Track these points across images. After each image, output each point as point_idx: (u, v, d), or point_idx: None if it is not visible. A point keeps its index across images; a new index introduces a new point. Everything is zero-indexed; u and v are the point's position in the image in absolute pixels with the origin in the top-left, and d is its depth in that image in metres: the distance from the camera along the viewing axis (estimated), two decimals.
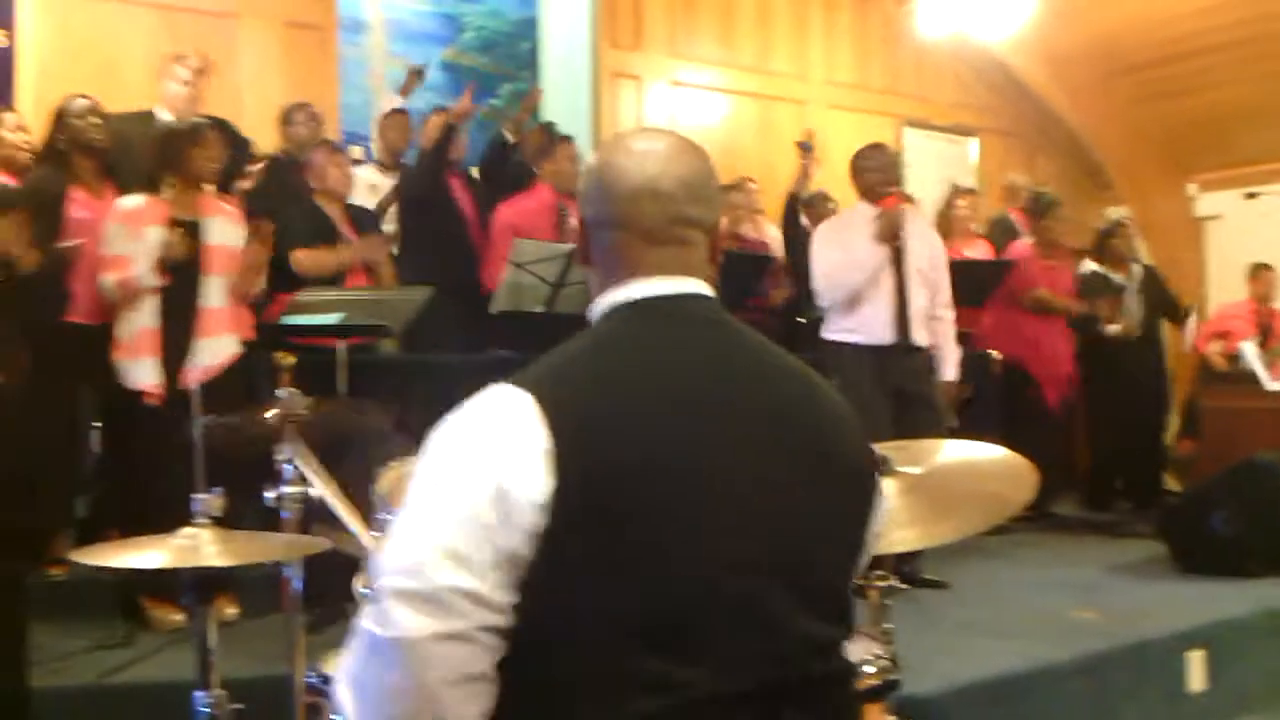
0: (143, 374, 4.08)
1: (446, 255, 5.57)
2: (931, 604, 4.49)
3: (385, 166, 6.16)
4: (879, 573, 2.32)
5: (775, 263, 6.21)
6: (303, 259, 4.84)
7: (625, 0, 8.13)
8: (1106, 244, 7.01)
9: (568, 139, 6.11)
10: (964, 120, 9.49)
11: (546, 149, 6.00)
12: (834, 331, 4.83)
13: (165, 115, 4.98)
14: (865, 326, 4.74)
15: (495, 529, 1.24)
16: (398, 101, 6.48)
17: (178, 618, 4.14)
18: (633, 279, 1.44)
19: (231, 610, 4.10)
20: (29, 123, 4.74)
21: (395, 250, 5.56)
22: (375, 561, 1.30)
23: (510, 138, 6.11)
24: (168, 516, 3.72)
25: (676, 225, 1.45)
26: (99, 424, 4.53)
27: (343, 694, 1.32)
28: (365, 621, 1.28)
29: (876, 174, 4.86)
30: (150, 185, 4.22)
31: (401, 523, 1.29)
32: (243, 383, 4.19)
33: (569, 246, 4.85)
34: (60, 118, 4.42)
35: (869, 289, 4.71)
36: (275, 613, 3.82)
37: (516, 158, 6.17)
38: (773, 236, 6.63)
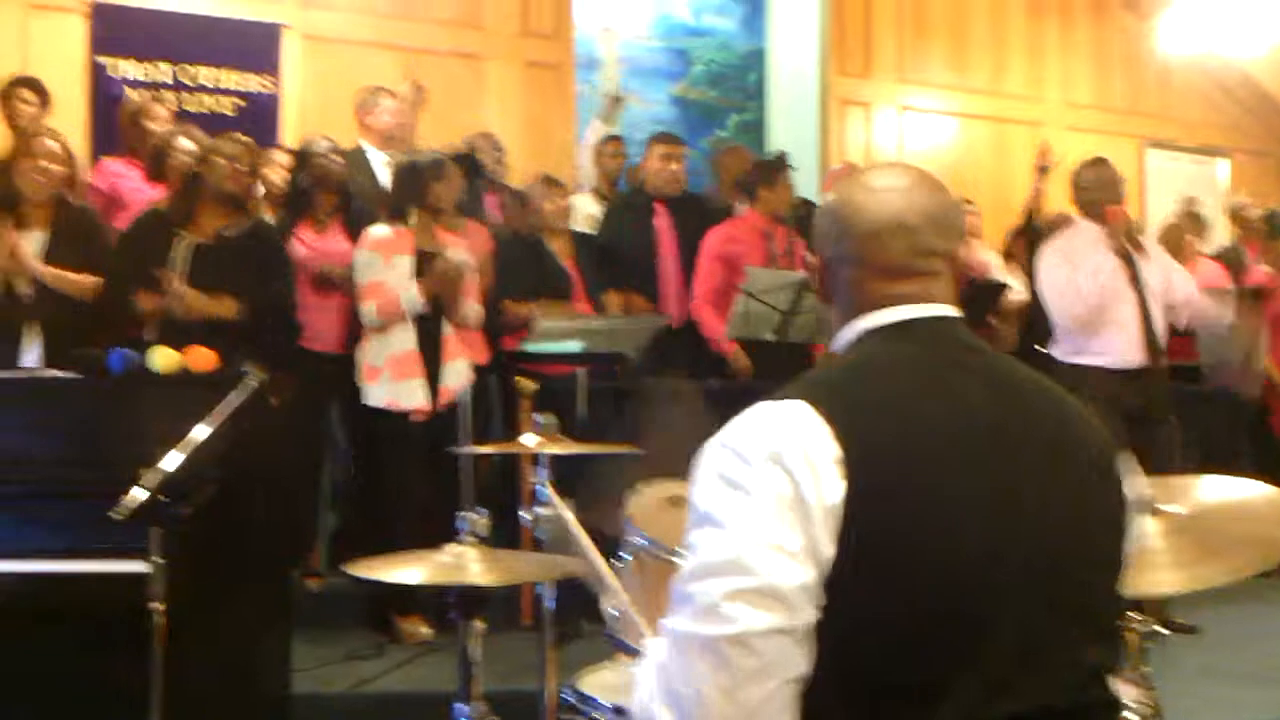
0: (401, 395, 4.31)
1: (646, 284, 5.61)
2: (1173, 648, 4.25)
3: (602, 195, 6.26)
4: (1140, 616, 2.23)
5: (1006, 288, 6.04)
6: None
7: (855, 28, 8.12)
8: None
9: (789, 167, 6.07)
10: (1212, 140, 9.03)
11: (765, 176, 5.97)
12: (1074, 355, 4.67)
13: (372, 149, 5.24)
14: (1111, 349, 4.58)
15: (804, 528, 1.27)
16: (607, 130, 6.56)
17: (425, 631, 4.33)
18: (877, 311, 1.47)
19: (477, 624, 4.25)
20: (288, 162, 5.09)
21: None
22: (688, 567, 1.32)
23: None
24: (416, 533, 3.94)
25: (920, 258, 1.47)
26: (348, 445, 4.81)
27: (658, 713, 1.31)
28: (690, 626, 1.28)
29: (1096, 190, 4.73)
30: (396, 216, 4.46)
31: (710, 528, 1.31)
32: (480, 407, 4.38)
33: (801, 275, 4.86)
34: (303, 156, 4.73)
35: (1110, 309, 4.56)
36: (512, 629, 4.02)
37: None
38: (990, 261, 6.45)
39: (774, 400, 1.36)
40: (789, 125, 7.97)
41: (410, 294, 4.30)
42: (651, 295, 5.46)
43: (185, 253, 4.07)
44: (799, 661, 1.27)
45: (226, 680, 3.06)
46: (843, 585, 1.28)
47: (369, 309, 4.35)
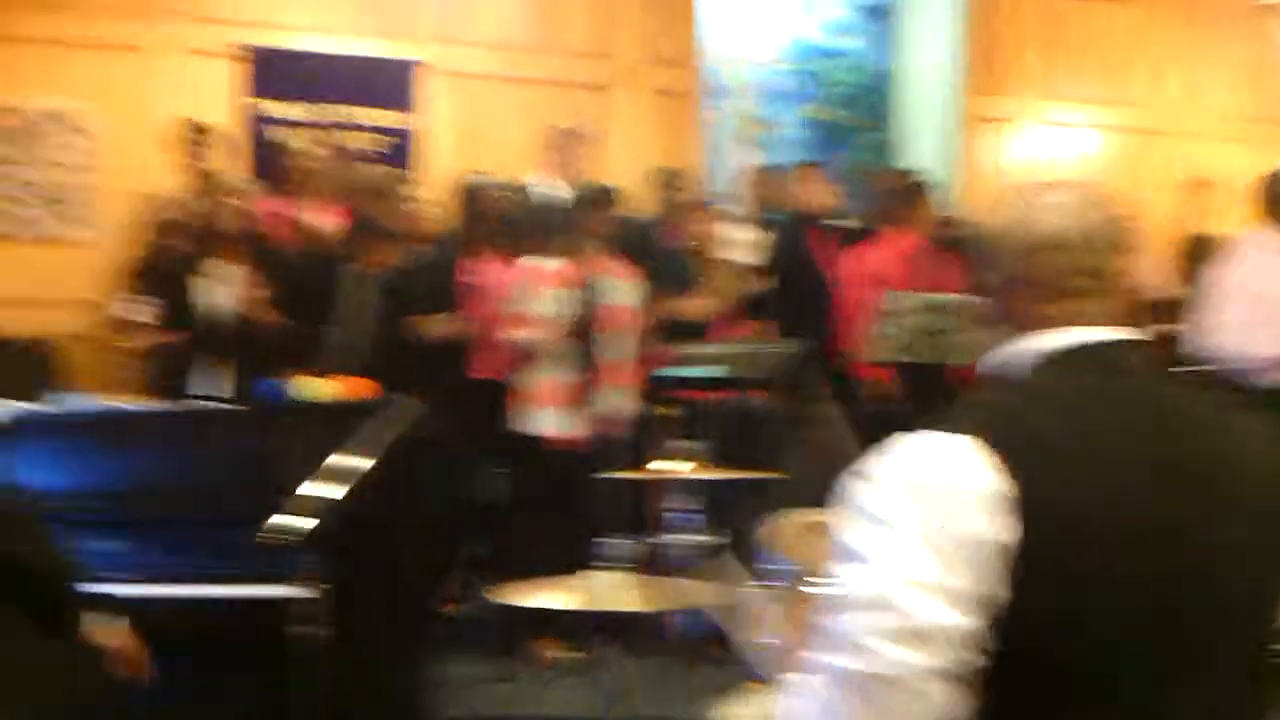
0: (546, 422, 4.38)
1: (806, 308, 5.60)
2: None
3: (754, 221, 6.30)
4: None
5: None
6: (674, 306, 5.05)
7: (990, 44, 7.98)
8: None
9: (931, 187, 6.04)
10: None
11: (909, 197, 5.95)
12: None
13: (542, 182, 5.34)
14: None
15: (961, 567, 1.24)
16: (758, 158, 6.64)
17: (561, 654, 4.38)
18: (1044, 332, 1.42)
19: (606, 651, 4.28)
20: (432, 196, 5.23)
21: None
22: (833, 601, 1.30)
23: None
24: (557, 559, 3.97)
25: (1084, 277, 1.42)
26: (498, 469, 4.89)
27: None
28: (835, 661, 1.27)
29: None
30: (551, 248, 4.54)
31: (858, 562, 1.29)
32: (634, 435, 4.42)
33: (941, 296, 4.78)
34: (470, 193, 4.86)
35: None
36: (648, 654, 4.03)
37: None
38: (1158, 276, 6.25)
39: (931, 431, 1.32)
40: (924, 144, 7.87)
41: (556, 325, 4.38)
42: (803, 318, 5.44)
43: (356, 286, 4.20)
44: (944, 703, 1.24)
45: (375, 703, 3.13)
46: (1015, 629, 1.24)
47: (519, 337, 4.45)
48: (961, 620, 1.23)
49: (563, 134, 5.40)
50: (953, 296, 4.75)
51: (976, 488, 1.26)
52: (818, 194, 5.64)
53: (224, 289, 4.27)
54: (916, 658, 1.22)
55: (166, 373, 4.44)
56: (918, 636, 1.23)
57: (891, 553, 1.26)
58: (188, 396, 3.99)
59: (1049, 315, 1.42)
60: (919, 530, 1.25)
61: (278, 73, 6.40)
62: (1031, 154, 7.99)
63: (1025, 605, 1.24)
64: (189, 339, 4.30)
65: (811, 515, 2.52)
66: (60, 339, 5.66)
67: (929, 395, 4.93)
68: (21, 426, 3.19)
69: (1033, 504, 1.24)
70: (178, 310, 4.36)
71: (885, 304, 4.80)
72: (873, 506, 1.30)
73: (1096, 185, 1.51)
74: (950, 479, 1.27)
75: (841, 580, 1.30)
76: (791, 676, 1.37)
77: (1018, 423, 1.33)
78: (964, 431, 1.30)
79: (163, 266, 4.68)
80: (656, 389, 4.56)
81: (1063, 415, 1.34)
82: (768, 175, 6.42)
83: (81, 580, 2.56)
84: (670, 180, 5.98)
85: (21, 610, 2.44)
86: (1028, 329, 1.44)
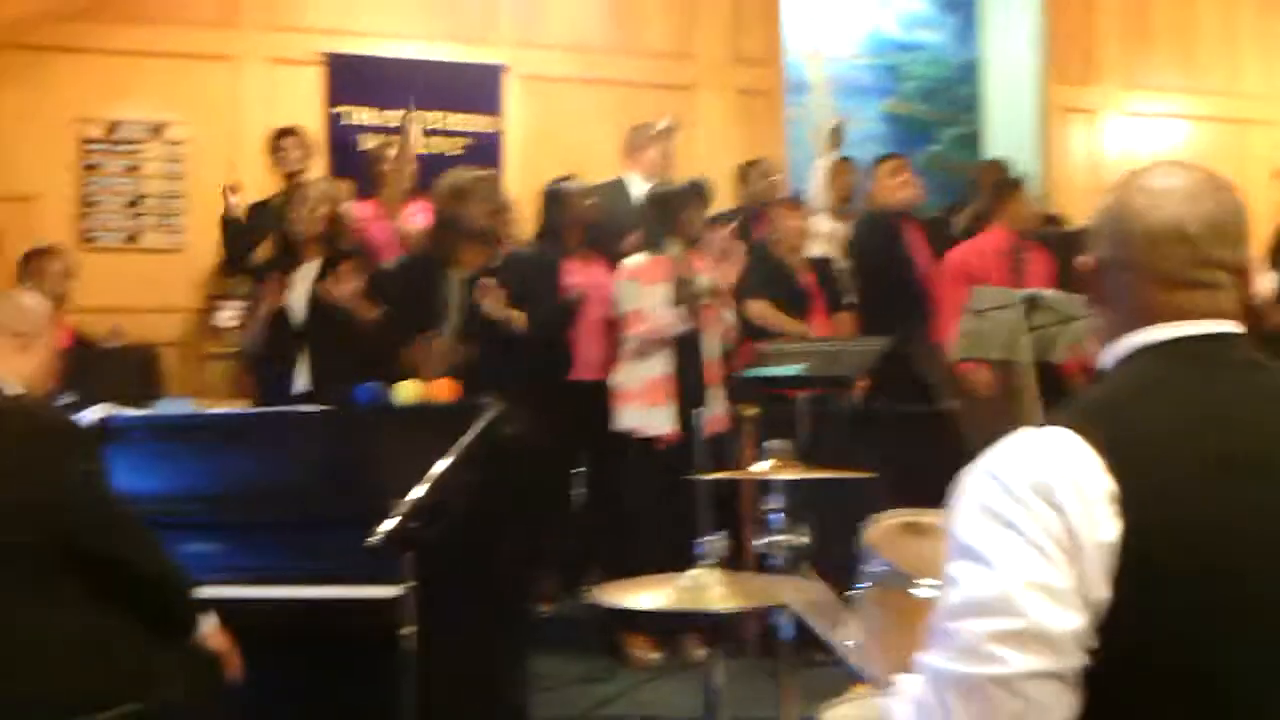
0: (650, 420, 4.39)
1: (899, 304, 5.55)
2: None
3: (837, 215, 6.26)
4: None
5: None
6: (760, 310, 5.02)
7: (1076, 35, 7.87)
8: None
9: (1023, 180, 5.95)
10: None
11: (1002, 191, 5.85)
12: None
13: (636, 182, 5.35)
14: None
15: (1073, 568, 1.22)
16: (834, 154, 6.60)
17: (654, 655, 4.38)
18: (1154, 324, 1.38)
19: (701, 651, 4.27)
20: (514, 198, 5.26)
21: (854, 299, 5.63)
22: (950, 603, 1.27)
23: None
24: (652, 559, 3.96)
25: (1202, 269, 1.37)
26: (590, 468, 4.90)
27: None
28: (952, 665, 1.24)
29: None
30: (652, 245, 4.54)
31: (974, 562, 1.26)
32: (725, 434, 4.41)
33: (1029, 291, 4.69)
34: (555, 198, 4.88)
35: None
36: (739, 655, 4.01)
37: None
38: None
39: (1041, 428, 1.30)
40: (1007, 137, 7.76)
41: (670, 320, 4.38)
42: (890, 314, 5.38)
43: (458, 288, 4.23)
44: (1062, 708, 1.21)
45: (471, 703, 3.16)
46: (1117, 629, 1.21)
47: (632, 336, 4.46)
48: (1078, 623, 1.21)
49: (652, 132, 5.39)
50: (1045, 291, 4.66)
51: (1091, 486, 1.23)
52: (902, 188, 5.57)
53: (315, 293, 4.32)
54: (1036, 662, 1.20)
55: (262, 376, 4.51)
56: (1039, 640, 1.20)
57: (1012, 553, 1.23)
58: (283, 400, 4.05)
59: (1160, 306, 1.38)
60: (1038, 530, 1.23)
61: (360, 79, 6.49)
62: (1117, 145, 7.85)
63: (1128, 605, 1.21)
64: (282, 342, 4.36)
65: (908, 515, 2.48)
66: (159, 345, 5.80)
67: (1024, 392, 4.86)
68: (120, 431, 3.26)
69: (1135, 501, 1.22)
70: (271, 314, 4.42)
71: (975, 300, 4.72)
72: (989, 505, 1.27)
73: (1214, 172, 1.45)
74: (1066, 477, 1.24)
75: (959, 581, 1.27)
76: (899, 678, 1.35)
77: (1122, 419, 1.30)
78: (1073, 428, 1.28)
79: (256, 271, 4.76)
80: (742, 388, 4.54)
81: (1164, 411, 1.31)
82: (850, 170, 6.39)
83: (191, 585, 2.62)
84: (756, 172, 5.97)
85: (138, 615, 2.51)
86: (1141, 322, 1.39)
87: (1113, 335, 1.43)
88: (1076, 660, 1.21)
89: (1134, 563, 1.21)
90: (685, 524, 4.31)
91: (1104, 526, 1.22)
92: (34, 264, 4.88)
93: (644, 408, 4.40)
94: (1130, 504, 1.22)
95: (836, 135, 6.76)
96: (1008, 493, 1.26)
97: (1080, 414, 1.31)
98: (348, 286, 4.29)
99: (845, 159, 6.48)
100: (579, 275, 4.80)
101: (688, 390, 4.41)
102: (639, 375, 4.42)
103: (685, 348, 4.44)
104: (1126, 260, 1.41)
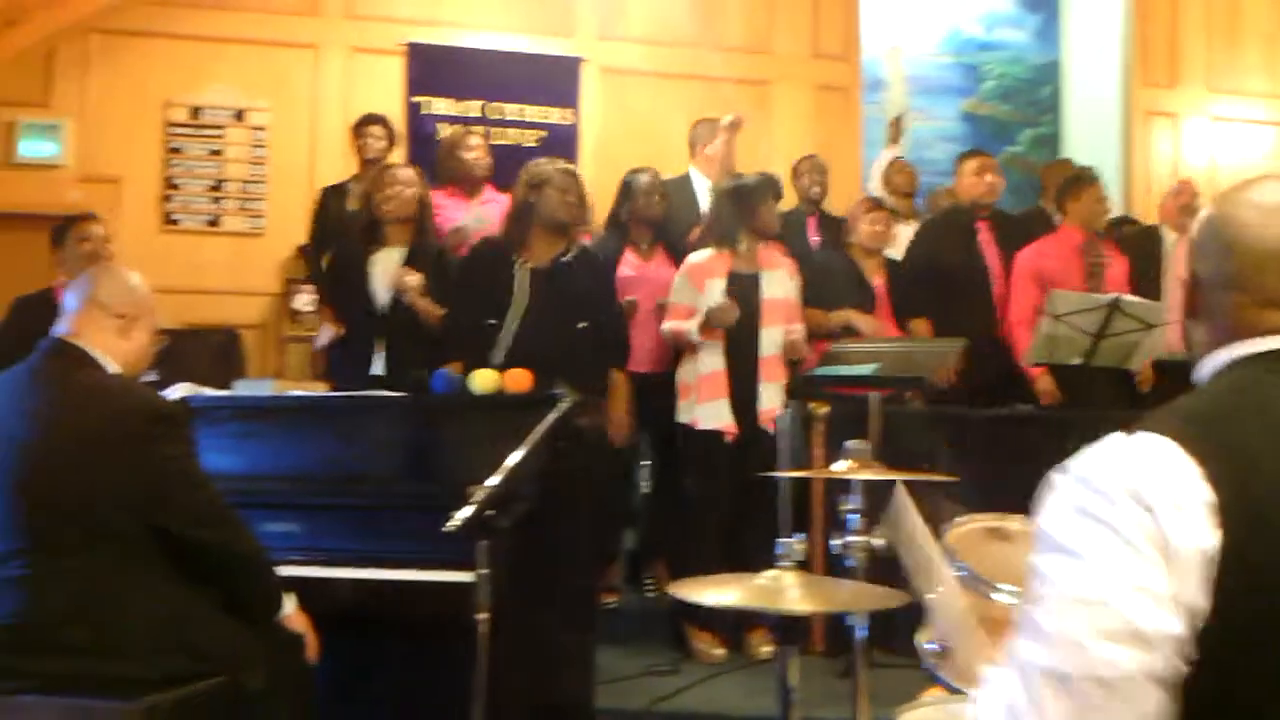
0: (708, 415, 4.39)
1: (968, 304, 5.47)
2: None
3: (900, 214, 6.17)
4: None
5: None
6: (844, 318, 5.00)
7: (1160, 38, 7.73)
8: None
9: (1096, 180, 5.84)
10: None
11: (1073, 190, 5.76)
12: None
13: (700, 177, 5.34)
14: None
15: (1170, 574, 1.20)
16: (894, 151, 6.54)
17: (720, 651, 4.37)
18: (1252, 338, 1.36)
19: (766, 648, 4.27)
20: (592, 191, 5.26)
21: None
22: (1044, 599, 1.26)
23: None
24: (716, 555, 3.96)
25: None
26: (654, 461, 4.91)
27: None
28: (1048, 661, 1.23)
29: None
30: (722, 240, 4.52)
31: (1068, 558, 1.25)
32: (790, 432, 4.39)
33: (1111, 296, 4.63)
34: (626, 191, 4.88)
35: None
36: (806, 654, 3.99)
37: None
38: None
39: (1135, 433, 1.28)
40: (1088, 139, 7.66)
41: (690, 327, 4.37)
42: (963, 316, 5.32)
43: (526, 278, 4.26)
44: (1156, 710, 1.20)
45: (537, 691, 3.18)
46: (1215, 641, 1.19)
47: (666, 328, 4.48)
48: (1179, 628, 1.19)
49: (722, 127, 5.37)
50: (1128, 298, 4.59)
51: (1188, 493, 1.22)
52: (980, 186, 5.49)
53: (395, 279, 4.36)
54: (1134, 660, 1.19)
55: (341, 361, 4.56)
56: (1136, 638, 1.19)
57: (1110, 552, 1.22)
58: (359, 383, 4.09)
59: (1264, 323, 1.36)
60: (1135, 531, 1.22)
61: (440, 69, 6.55)
62: (1199, 150, 7.71)
63: (1228, 617, 1.19)
64: (362, 327, 4.41)
65: (988, 519, 2.47)
66: (242, 328, 5.91)
67: (1098, 397, 4.80)
68: (202, 411, 3.31)
69: (1235, 512, 1.20)
70: (352, 300, 4.47)
71: (1054, 304, 4.66)
72: (1084, 506, 1.26)
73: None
74: (1160, 482, 1.23)
75: (1053, 577, 1.26)
76: (992, 674, 1.33)
77: (1220, 430, 1.28)
78: (1170, 435, 1.26)
79: (336, 257, 4.81)
80: (806, 386, 4.52)
81: (1263, 422, 1.29)
82: (904, 170, 6.34)
83: (274, 566, 2.67)
84: (815, 171, 5.91)
85: (224, 595, 2.56)
86: (1238, 336, 1.37)
87: (1210, 348, 1.41)
88: (1172, 663, 1.19)
89: (1235, 574, 1.19)
90: (746, 519, 4.33)
91: (1202, 534, 1.20)
92: (72, 232, 4.62)
93: (702, 401, 4.38)
94: (1230, 515, 1.20)
95: (896, 128, 6.69)
96: (1102, 495, 1.25)
97: (1177, 422, 1.29)
98: (416, 278, 4.32)
99: (900, 158, 6.39)
100: (631, 268, 4.80)
101: (738, 386, 4.38)
102: (698, 369, 4.41)
103: (739, 343, 4.40)
104: (1229, 276, 1.39)
